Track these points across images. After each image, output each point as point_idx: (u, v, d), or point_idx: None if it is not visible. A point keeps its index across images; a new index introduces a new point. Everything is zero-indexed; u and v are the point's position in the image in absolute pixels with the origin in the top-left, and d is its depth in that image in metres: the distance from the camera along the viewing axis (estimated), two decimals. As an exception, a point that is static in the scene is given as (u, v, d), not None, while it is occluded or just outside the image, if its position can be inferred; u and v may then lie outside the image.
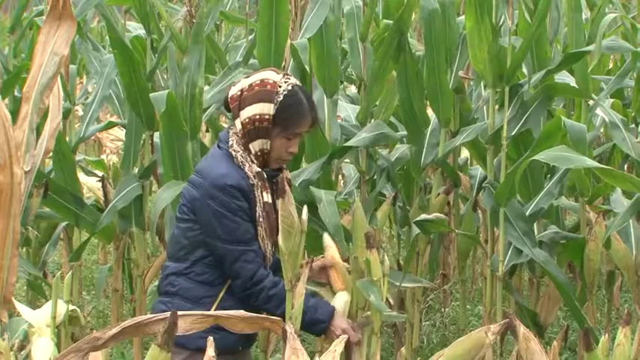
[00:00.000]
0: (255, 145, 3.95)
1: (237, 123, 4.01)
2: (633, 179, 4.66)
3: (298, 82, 4.14)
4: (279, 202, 3.85)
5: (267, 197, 3.99)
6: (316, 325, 3.92)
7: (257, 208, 3.95)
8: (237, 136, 4.06)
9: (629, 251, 5.10)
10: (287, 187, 3.69)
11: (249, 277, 3.90)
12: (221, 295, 3.96)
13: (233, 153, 3.99)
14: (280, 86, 3.93)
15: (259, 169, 4.00)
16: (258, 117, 3.92)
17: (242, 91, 4.00)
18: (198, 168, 4.23)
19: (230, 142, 4.01)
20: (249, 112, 3.92)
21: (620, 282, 5.82)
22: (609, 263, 5.40)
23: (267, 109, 3.88)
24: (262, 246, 3.95)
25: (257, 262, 3.95)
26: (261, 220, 3.96)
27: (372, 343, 4.02)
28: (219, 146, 4.06)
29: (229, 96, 4.08)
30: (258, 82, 3.97)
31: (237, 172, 3.94)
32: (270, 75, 4.01)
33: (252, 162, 4.00)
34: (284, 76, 4.07)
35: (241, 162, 3.98)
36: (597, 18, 5.49)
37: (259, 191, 3.96)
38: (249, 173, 3.93)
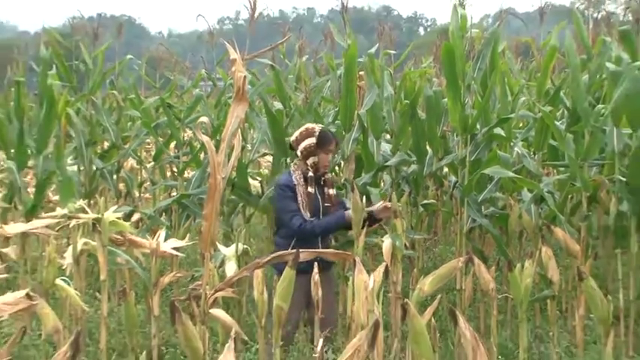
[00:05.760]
0: (310, 161, 4.94)
1: (298, 152, 4.97)
2: (531, 183, 5.53)
3: (322, 127, 5.05)
4: (327, 190, 4.99)
5: (310, 189, 4.89)
6: (341, 219, 4.75)
7: (298, 195, 4.86)
8: (298, 159, 5.00)
9: (530, 220, 5.65)
10: (356, 187, 4.46)
11: (295, 226, 4.84)
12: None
13: (292, 168, 5.01)
14: (315, 129, 4.96)
15: (310, 174, 4.92)
16: (308, 145, 4.94)
17: (297, 136, 5.05)
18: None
19: (292, 164, 5.05)
20: (303, 144, 4.95)
21: (526, 235, 5.96)
22: (520, 226, 5.74)
23: (311, 141, 4.94)
24: (302, 213, 4.83)
25: (297, 218, 4.82)
26: (300, 199, 4.85)
27: (396, 267, 4.39)
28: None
29: (292, 140, 5.09)
30: (304, 129, 5.05)
31: (287, 176, 4.96)
32: (309, 125, 5.07)
33: (308, 170, 4.90)
34: (316, 125, 5.07)
35: (293, 171, 4.95)
36: (516, 99, 6.70)
37: (300, 186, 4.88)
38: (294, 176, 4.91)
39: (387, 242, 4.51)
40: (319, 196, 4.93)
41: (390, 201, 4.83)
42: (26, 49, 8.17)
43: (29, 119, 6.82)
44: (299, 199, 4.84)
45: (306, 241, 4.67)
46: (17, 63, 7.28)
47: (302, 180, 4.89)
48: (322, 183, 5.01)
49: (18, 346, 3.79)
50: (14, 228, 5.20)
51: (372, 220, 4.79)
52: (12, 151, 6.26)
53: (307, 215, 4.84)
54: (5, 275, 4.17)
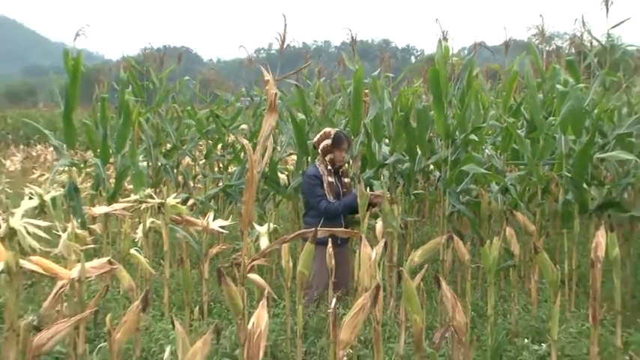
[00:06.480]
0: (327, 157, 4.97)
1: (319, 150, 5.00)
2: (498, 177, 5.42)
3: (337, 130, 5.02)
4: (344, 179, 4.96)
5: (331, 179, 4.92)
6: (356, 198, 4.45)
7: (324, 183, 4.89)
8: (319, 156, 5.01)
9: (497, 206, 5.56)
10: (362, 180, 4.56)
11: (322, 207, 4.84)
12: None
13: (317, 162, 4.99)
14: (331, 132, 4.99)
15: (329, 167, 4.94)
16: (326, 145, 4.96)
17: (318, 137, 5.06)
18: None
19: (316, 160, 5.05)
20: (322, 144, 4.99)
21: (494, 218, 5.81)
22: (489, 211, 5.66)
23: (328, 142, 4.96)
24: (327, 196, 4.87)
25: (324, 201, 4.84)
26: (325, 187, 4.86)
27: (393, 243, 4.68)
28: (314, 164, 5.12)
29: (314, 141, 5.11)
30: (323, 133, 5.06)
31: (314, 169, 4.99)
32: (327, 129, 5.08)
33: (327, 165, 4.90)
34: (332, 129, 5.06)
35: (318, 165, 4.98)
36: (486, 112, 6.45)
37: (325, 176, 4.93)
38: (319, 169, 4.96)
39: (379, 224, 4.69)
40: (338, 184, 4.92)
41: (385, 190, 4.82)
42: (110, 73, 8.21)
43: (111, 126, 6.80)
44: (324, 186, 4.83)
45: (331, 219, 4.68)
46: (103, 83, 7.28)
47: (325, 171, 4.89)
48: (340, 174, 5.00)
49: (102, 299, 3.86)
50: (99, 210, 5.23)
51: (372, 205, 4.77)
52: (98, 150, 6.29)
53: (331, 198, 4.83)
54: (92, 246, 4.15)
